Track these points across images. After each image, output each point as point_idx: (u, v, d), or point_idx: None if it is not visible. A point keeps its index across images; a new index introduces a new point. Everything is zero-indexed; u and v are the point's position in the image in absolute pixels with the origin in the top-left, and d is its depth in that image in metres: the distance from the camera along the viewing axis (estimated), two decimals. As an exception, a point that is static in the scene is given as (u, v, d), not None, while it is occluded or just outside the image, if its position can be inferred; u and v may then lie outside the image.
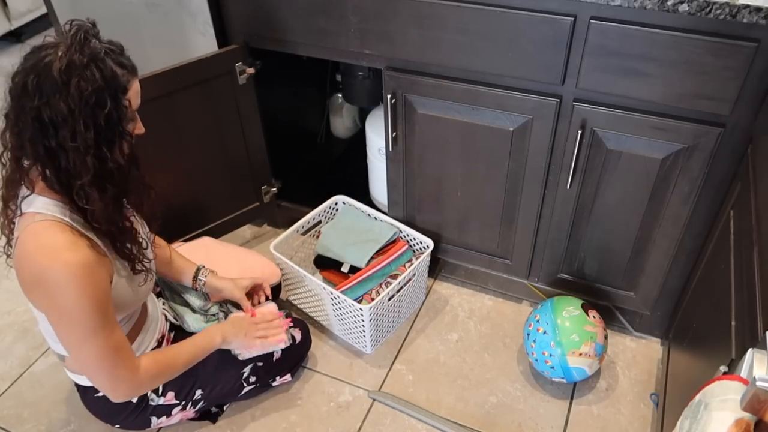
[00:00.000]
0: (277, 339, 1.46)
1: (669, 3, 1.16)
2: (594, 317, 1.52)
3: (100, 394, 1.34)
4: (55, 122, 1.01)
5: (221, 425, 1.55)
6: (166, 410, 1.42)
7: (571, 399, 1.59)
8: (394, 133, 1.61)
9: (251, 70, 1.70)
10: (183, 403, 1.42)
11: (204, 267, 1.52)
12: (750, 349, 0.80)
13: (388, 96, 1.53)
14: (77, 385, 1.38)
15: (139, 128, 1.15)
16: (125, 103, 1.08)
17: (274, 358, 1.52)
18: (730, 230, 1.21)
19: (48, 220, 1.08)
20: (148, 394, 1.38)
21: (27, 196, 1.10)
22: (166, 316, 1.48)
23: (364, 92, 1.95)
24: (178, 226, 1.80)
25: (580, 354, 1.48)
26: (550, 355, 1.50)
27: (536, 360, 1.55)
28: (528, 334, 1.56)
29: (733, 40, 1.16)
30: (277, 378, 1.57)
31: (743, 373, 0.80)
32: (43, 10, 3.30)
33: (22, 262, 1.09)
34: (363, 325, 1.62)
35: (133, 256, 1.20)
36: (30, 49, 1.05)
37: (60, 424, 1.57)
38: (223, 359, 1.45)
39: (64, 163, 1.05)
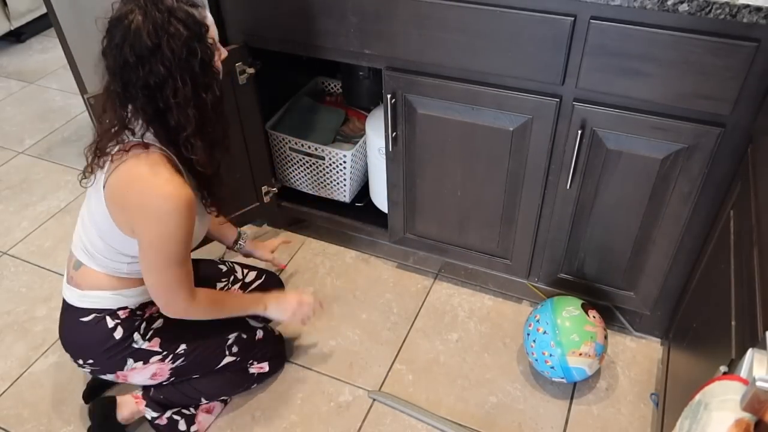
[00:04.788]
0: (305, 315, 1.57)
1: (669, 3, 1.16)
2: (594, 317, 1.52)
3: (86, 319, 1.33)
4: (160, 84, 1.08)
5: (221, 425, 1.56)
6: (145, 356, 1.39)
7: (571, 399, 1.59)
8: (394, 133, 1.61)
9: (251, 70, 1.70)
10: (165, 353, 1.41)
11: (244, 233, 1.72)
12: (750, 349, 0.80)
13: (388, 96, 1.53)
14: (66, 305, 1.37)
15: (223, 52, 1.20)
16: (209, 41, 1.13)
17: (257, 337, 1.55)
18: (730, 230, 1.21)
19: (162, 154, 1.16)
20: (134, 335, 1.36)
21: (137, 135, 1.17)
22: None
23: (364, 92, 1.95)
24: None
25: (580, 354, 1.48)
26: (550, 355, 1.50)
27: (536, 360, 1.55)
28: (528, 334, 1.56)
29: (733, 40, 1.16)
30: (255, 363, 1.56)
31: (743, 373, 0.79)
32: (43, 10, 3.30)
33: (129, 183, 1.16)
34: (344, 171, 1.86)
35: (219, 198, 1.33)
36: (108, 22, 1.09)
37: (60, 424, 1.57)
38: (211, 321, 1.44)
39: (172, 121, 1.12)
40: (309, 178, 1.97)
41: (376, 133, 1.79)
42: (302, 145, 1.88)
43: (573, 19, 1.26)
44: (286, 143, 1.90)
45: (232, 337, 1.50)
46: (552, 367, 1.51)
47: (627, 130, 1.35)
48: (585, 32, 1.27)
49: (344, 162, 1.85)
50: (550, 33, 1.29)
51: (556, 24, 1.28)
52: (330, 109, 2.08)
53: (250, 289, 1.68)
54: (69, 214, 2.23)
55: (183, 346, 1.43)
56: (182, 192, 1.15)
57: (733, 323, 0.99)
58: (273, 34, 1.61)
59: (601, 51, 1.27)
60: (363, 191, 2.03)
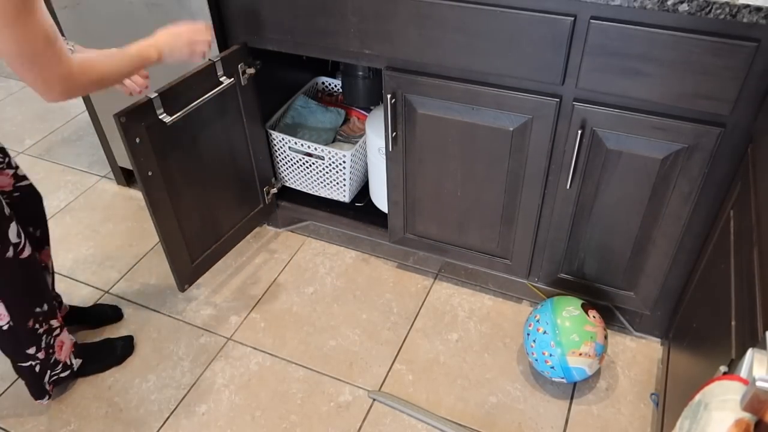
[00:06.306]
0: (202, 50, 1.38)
1: (669, 3, 1.16)
2: (594, 317, 1.52)
3: None
4: None
5: (221, 425, 1.55)
6: None
7: (571, 399, 1.59)
8: (394, 133, 1.61)
9: (251, 71, 1.70)
10: None
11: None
12: (750, 349, 0.80)
13: (388, 96, 1.53)
14: None
15: None
16: None
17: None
18: (730, 230, 1.21)
19: None
20: None
21: None
22: None
23: (364, 92, 1.95)
24: (192, 243, 1.74)
25: (580, 354, 1.48)
26: (550, 355, 1.50)
27: (536, 360, 1.55)
28: (528, 334, 1.56)
29: (733, 40, 1.16)
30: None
31: (743, 373, 0.79)
32: (43, 10, 3.30)
33: None
34: (344, 171, 1.86)
35: None
36: None
37: (60, 424, 1.57)
38: None
39: None
40: (309, 178, 1.97)
41: (376, 133, 1.79)
42: (302, 145, 1.88)
43: (573, 19, 1.26)
44: (286, 143, 1.90)
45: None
46: (552, 367, 1.51)
47: (627, 130, 1.35)
48: (585, 32, 1.27)
49: (344, 162, 1.85)
50: (550, 33, 1.29)
51: (556, 24, 1.28)
52: (330, 109, 2.08)
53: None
54: (69, 214, 2.23)
55: None
56: None
57: (733, 323, 0.99)
58: (273, 34, 1.61)
59: (601, 51, 1.27)
60: (363, 191, 2.03)
